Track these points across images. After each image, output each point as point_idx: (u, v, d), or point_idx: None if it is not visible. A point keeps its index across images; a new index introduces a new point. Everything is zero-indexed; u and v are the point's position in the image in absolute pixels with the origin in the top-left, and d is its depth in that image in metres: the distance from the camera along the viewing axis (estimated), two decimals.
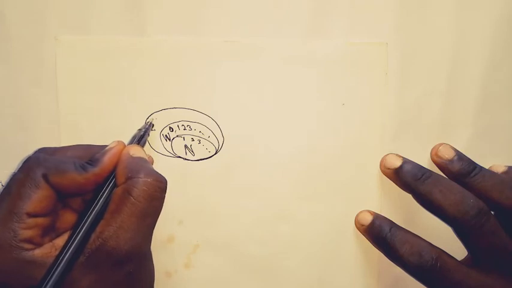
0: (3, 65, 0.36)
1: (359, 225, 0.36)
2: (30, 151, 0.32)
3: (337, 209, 0.37)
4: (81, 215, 0.29)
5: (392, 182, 0.36)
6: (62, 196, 0.29)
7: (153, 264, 0.31)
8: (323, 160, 0.37)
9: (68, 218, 0.31)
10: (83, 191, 0.30)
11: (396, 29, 0.36)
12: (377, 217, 0.36)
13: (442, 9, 0.36)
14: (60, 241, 0.28)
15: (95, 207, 0.29)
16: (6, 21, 0.35)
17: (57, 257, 0.27)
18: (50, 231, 0.29)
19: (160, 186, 0.29)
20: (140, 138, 0.34)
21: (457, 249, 0.33)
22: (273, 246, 0.37)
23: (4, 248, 0.27)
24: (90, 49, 0.36)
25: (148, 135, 0.35)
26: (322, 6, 0.36)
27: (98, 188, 0.30)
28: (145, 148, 0.34)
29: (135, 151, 0.31)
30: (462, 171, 0.34)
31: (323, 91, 0.36)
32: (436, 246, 0.33)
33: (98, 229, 0.28)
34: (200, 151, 0.36)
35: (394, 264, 0.34)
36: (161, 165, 0.36)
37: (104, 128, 0.36)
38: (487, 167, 0.35)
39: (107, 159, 0.30)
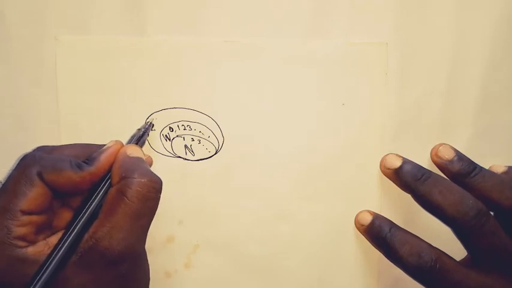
0: (3, 65, 0.36)
1: (359, 225, 0.36)
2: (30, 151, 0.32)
3: (337, 209, 0.37)
4: (76, 214, 0.29)
5: (392, 182, 0.36)
6: (58, 194, 0.29)
7: (148, 265, 0.31)
8: (323, 160, 0.37)
9: (67, 216, 0.31)
10: (78, 189, 0.29)
11: (396, 29, 0.36)
12: (377, 217, 0.36)
13: (442, 9, 0.36)
14: (54, 239, 0.28)
15: (89, 206, 0.29)
16: (6, 21, 0.35)
17: (49, 255, 0.27)
18: (45, 229, 0.29)
19: (154, 186, 0.29)
20: (139, 138, 0.33)
21: (456, 250, 0.33)
22: (273, 246, 0.37)
23: None
24: (90, 49, 0.36)
25: (148, 135, 0.35)
26: (322, 6, 0.36)
27: (94, 187, 0.30)
28: (145, 148, 0.34)
29: (133, 151, 0.31)
30: (462, 171, 0.34)
31: (323, 91, 0.36)
32: (435, 247, 0.33)
33: (92, 229, 0.28)
34: (200, 151, 0.36)
35: (394, 265, 0.34)
36: (161, 165, 0.36)
37: (104, 128, 0.36)
38: (487, 167, 0.35)
39: (103, 159, 0.30)
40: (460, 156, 0.35)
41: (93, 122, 0.36)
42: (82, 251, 0.27)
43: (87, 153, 0.31)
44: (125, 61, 0.36)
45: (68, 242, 0.27)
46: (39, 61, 0.35)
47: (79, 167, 0.29)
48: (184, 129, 0.36)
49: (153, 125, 0.36)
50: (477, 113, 0.37)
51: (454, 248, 0.33)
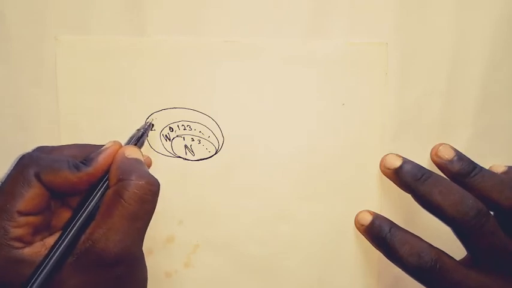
0: (3, 65, 0.36)
1: (359, 225, 0.36)
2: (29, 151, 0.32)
3: (337, 209, 0.37)
4: (73, 216, 0.29)
5: (392, 182, 0.36)
6: (56, 195, 0.29)
7: (145, 267, 0.31)
8: (323, 160, 0.37)
9: (66, 216, 0.31)
10: (76, 190, 0.29)
11: (396, 29, 0.36)
12: (377, 217, 0.36)
13: (442, 9, 0.36)
14: (51, 240, 0.28)
15: (86, 207, 0.29)
16: (6, 21, 0.35)
17: (46, 256, 0.27)
18: (42, 230, 0.29)
19: (151, 189, 0.29)
20: (138, 139, 0.33)
21: (456, 250, 0.33)
22: (273, 246, 0.37)
23: None
24: (90, 49, 0.36)
25: (147, 135, 0.35)
26: (322, 6, 0.36)
27: (91, 188, 0.29)
28: (145, 148, 0.34)
29: (131, 152, 0.30)
30: (462, 171, 0.34)
31: (323, 91, 0.36)
32: (435, 247, 0.33)
33: (88, 230, 0.28)
34: (200, 151, 0.36)
35: (394, 264, 0.34)
36: (161, 165, 0.36)
37: (104, 128, 0.36)
38: (487, 167, 0.35)
39: (101, 159, 0.30)
40: (460, 156, 0.35)
41: (93, 122, 0.36)
42: (78, 253, 0.27)
43: (85, 154, 0.30)
44: (125, 61, 0.36)
45: (64, 243, 0.27)
46: (39, 61, 0.35)
47: (76, 167, 0.29)
48: (184, 129, 0.36)
49: (153, 125, 0.36)
50: (477, 113, 0.37)
51: (454, 248, 0.33)
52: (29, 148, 0.33)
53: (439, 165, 0.35)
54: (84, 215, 0.29)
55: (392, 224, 0.35)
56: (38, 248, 0.28)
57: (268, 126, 0.36)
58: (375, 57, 0.36)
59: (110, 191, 0.29)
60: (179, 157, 0.36)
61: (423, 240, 0.34)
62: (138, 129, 0.34)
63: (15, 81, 0.36)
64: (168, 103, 0.36)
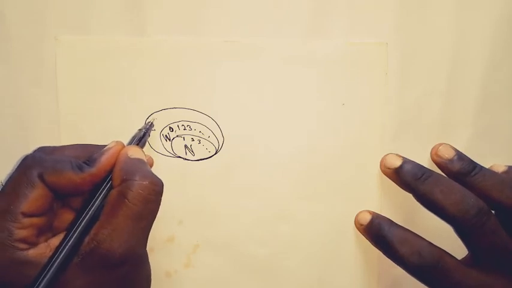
0: (3, 65, 0.36)
1: (358, 225, 0.36)
2: (30, 151, 0.32)
3: (337, 209, 0.37)
4: (77, 216, 0.29)
5: (392, 182, 0.35)
6: (59, 196, 0.29)
7: (149, 267, 0.31)
8: (323, 160, 0.37)
9: (67, 217, 0.31)
10: (79, 191, 0.29)
11: (396, 29, 0.36)
12: (376, 216, 0.36)
13: (442, 9, 0.36)
14: (56, 241, 0.28)
15: (90, 208, 0.29)
16: (6, 21, 0.35)
17: (51, 257, 0.27)
18: (46, 231, 0.29)
19: (155, 189, 0.29)
20: (140, 139, 0.33)
21: (457, 249, 0.33)
22: (273, 246, 0.37)
23: None
24: (90, 49, 0.36)
25: (149, 135, 0.35)
26: (322, 6, 0.36)
27: (95, 188, 0.29)
28: (145, 148, 0.34)
29: (134, 152, 0.30)
30: (462, 170, 0.34)
31: (323, 91, 0.36)
32: (436, 246, 0.33)
33: (93, 231, 0.28)
34: (200, 151, 0.36)
35: (394, 264, 0.34)
36: (161, 165, 0.36)
37: (104, 128, 0.36)
38: (487, 167, 0.35)
39: (104, 160, 0.30)
40: (460, 155, 0.35)
41: (93, 122, 0.36)
42: (83, 254, 0.27)
43: (87, 154, 0.30)
44: (125, 61, 0.36)
45: (69, 244, 0.27)
46: (39, 61, 0.35)
47: (80, 168, 0.29)
48: (184, 129, 0.36)
49: (153, 125, 0.36)
50: (477, 113, 0.37)
51: (455, 247, 0.33)
52: (29, 148, 0.33)
53: (439, 165, 0.35)
54: (88, 215, 0.29)
55: (391, 223, 0.35)
56: (43, 249, 0.28)
57: (268, 126, 0.36)
58: (375, 57, 0.36)
59: (114, 192, 0.28)
60: (179, 157, 0.36)
61: (423, 238, 0.33)
62: (139, 129, 0.34)
63: (15, 81, 0.36)
64: (168, 103, 0.36)
